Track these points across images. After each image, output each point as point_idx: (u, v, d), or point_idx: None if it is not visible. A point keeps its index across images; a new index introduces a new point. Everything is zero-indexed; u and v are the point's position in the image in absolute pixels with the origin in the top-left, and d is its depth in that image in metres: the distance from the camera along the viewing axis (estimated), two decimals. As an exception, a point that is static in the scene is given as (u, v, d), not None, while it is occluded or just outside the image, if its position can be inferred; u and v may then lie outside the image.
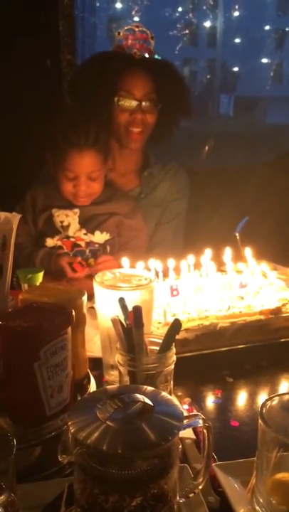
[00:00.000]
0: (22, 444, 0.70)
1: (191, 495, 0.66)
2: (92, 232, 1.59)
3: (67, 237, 1.57)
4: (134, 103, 1.61)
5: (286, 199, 1.85)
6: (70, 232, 1.58)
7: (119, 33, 1.64)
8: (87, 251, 1.57)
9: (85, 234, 1.58)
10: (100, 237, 1.59)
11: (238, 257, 1.38)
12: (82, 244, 1.57)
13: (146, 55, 1.65)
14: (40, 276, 1.05)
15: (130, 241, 1.63)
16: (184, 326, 1.08)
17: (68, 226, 1.58)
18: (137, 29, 1.63)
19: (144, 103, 1.61)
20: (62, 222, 1.57)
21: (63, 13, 2.42)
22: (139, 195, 1.77)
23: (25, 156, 2.10)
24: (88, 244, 1.58)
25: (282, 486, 0.67)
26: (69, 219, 1.58)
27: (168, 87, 1.66)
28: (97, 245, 1.58)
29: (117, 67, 1.61)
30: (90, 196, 1.56)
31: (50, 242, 1.57)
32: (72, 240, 1.57)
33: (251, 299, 1.22)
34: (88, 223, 1.59)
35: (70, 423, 0.57)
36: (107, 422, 0.57)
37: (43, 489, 0.68)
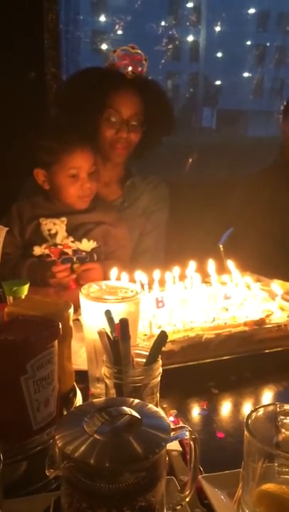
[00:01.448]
0: (8, 459, 0.70)
1: (178, 507, 0.66)
2: (80, 240, 1.60)
3: (55, 245, 1.58)
4: (121, 122, 1.64)
5: (269, 211, 1.88)
6: (58, 240, 1.59)
7: (114, 51, 1.67)
8: (74, 258, 1.57)
9: (73, 241, 1.59)
10: (87, 245, 1.60)
11: (222, 268, 1.39)
12: (70, 251, 1.58)
13: (138, 76, 1.68)
14: (25, 289, 1.04)
15: (116, 250, 1.65)
16: (170, 337, 1.08)
17: (56, 234, 1.59)
18: (132, 50, 1.66)
19: (131, 123, 1.65)
20: (49, 230, 1.58)
21: (48, 26, 2.45)
22: (122, 204, 1.80)
23: (8, 168, 2.10)
24: (75, 251, 1.58)
25: (268, 497, 0.67)
26: (56, 227, 1.59)
27: (154, 107, 1.70)
28: (84, 253, 1.59)
29: (109, 84, 1.64)
30: (90, 195, 1.60)
31: (37, 250, 1.57)
32: (59, 247, 1.58)
33: (236, 310, 1.23)
34: (75, 231, 1.61)
35: (57, 437, 0.57)
36: (95, 436, 0.57)
37: (30, 504, 0.67)
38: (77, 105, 1.67)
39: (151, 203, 1.83)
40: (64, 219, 1.59)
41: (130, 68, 1.67)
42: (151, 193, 1.84)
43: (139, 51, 1.67)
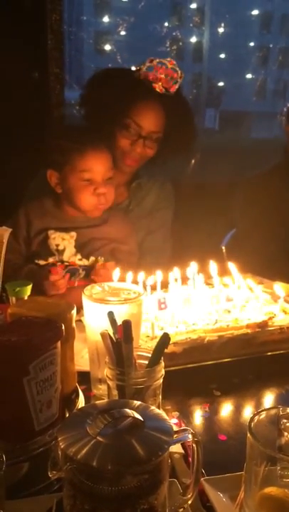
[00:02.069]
0: (10, 460, 0.70)
1: (181, 510, 0.66)
2: (87, 258, 1.54)
3: (62, 262, 1.52)
4: (138, 136, 1.59)
5: (272, 213, 1.87)
6: (65, 257, 1.53)
7: (151, 61, 1.59)
8: (80, 269, 1.52)
9: (80, 259, 1.53)
10: (93, 262, 1.54)
11: (225, 270, 1.39)
12: (77, 264, 1.53)
13: (167, 91, 1.60)
14: (28, 290, 1.05)
15: (123, 263, 1.60)
16: (172, 339, 1.09)
17: (63, 250, 1.53)
18: (170, 65, 1.58)
19: (147, 139, 1.60)
20: (57, 245, 1.52)
21: (52, 27, 2.45)
22: (128, 206, 1.78)
23: (13, 168, 2.10)
24: (82, 266, 1.54)
25: (270, 501, 0.67)
26: (65, 243, 1.52)
27: (178, 127, 1.64)
28: (89, 266, 1.54)
29: (136, 94, 1.58)
30: (106, 204, 1.51)
31: (42, 263, 1.52)
32: (65, 263, 1.52)
33: (238, 312, 1.23)
34: (84, 248, 1.54)
35: (60, 438, 0.57)
36: (97, 438, 0.57)
37: (32, 505, 0.67)
38: (99, 106, 1.61)
39: (157, 201, 1.81)
40: (74, 234, 1.53)
41: (163, 82, 1.58)
42: (157, 192, 1.81)
43: (177, 68, 1.59)
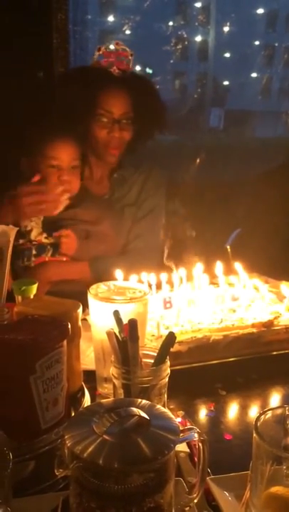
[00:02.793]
0: (16, 458, 0.70)
1: (187, 509, 0.66)
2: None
3: (30, 241, 1.59)
4: (112, 122, 1.63)
5: (277, 212, 1.87)
6: (32, 236, 1.60)
7: (99, 49, 1.65)
8: (48, 246, 1.60)
9: (46, 238, 1.61)
10: (53, 238, 1.61)
11: (230, 269, 1.39)
12: (44, 240, 1.61)
13: (125, 73, 1.66)
14: (34, 289, 1.05)
15: (99, 245, 1.66)
16: (177, 338, 1.08)
17: (31, 230, 1.60)
18: (117, 46, 1.64)
19: (122, 121, 1.64)
20: (25, 226, 1.59)
21: (57, 27, 2.45)
22: (112, 196, 1.79)
23: (12, 165, 2.11)
24: (50, 242, 1.61)
25: (276, 500, 0.67)
26: (32, 224, 1.60)
27: (144, 104, 1.68)
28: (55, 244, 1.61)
29: (97, 84, 1.63)
30: (70, 191, 1.58)
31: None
32: (34, 243, 1.60)
33: (243, 312, 1.23)
34: (50, 228, 1.61)
35: (66, 437, 0.57)
36: (104, 436, 0.57)
37: (38, 503, 0.67)
38: (68, 105, 1.65)
39: (144, 190, 1.82)
40: (41, 216, 1.60)
41: (116, 64, 1.65)
42: (142, 183, 1.82)
43: (125, 47, 1.65)
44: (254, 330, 1.18)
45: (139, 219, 1.79)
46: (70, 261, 1.62)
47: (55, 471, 0.59)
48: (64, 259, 1.62)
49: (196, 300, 1.25)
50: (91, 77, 1.65)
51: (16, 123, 2.12)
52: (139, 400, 0.65)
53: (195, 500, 0.67)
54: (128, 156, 1.81)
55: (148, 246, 1.73)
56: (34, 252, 1.59)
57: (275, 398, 1.07)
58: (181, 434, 0.63)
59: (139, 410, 0.61)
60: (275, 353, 1.19)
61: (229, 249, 2.07)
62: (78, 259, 1.62)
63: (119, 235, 1.74)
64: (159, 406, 0.65)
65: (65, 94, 1.69)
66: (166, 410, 0.66)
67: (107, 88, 1.64)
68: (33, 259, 1.59)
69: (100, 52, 1.65)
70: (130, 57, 1.67)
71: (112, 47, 1.65)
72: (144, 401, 0.65)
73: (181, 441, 0.62)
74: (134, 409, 0.61)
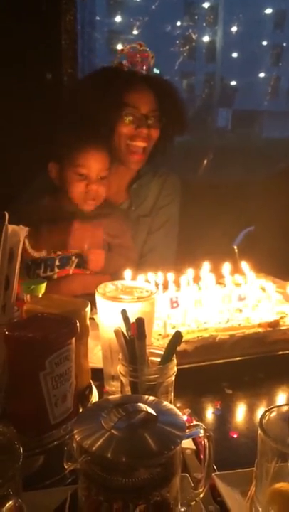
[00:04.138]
0: (26, 453, 0.71)
1: (193, 503, 0.68)
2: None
3: (54, 252, 1.58)
4: (140, 118, 1.63)
5: (284, 213, 1.87)
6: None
7: (122, 50, 1.67)
8: (73, 257, 1.58)
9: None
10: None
11: (237, 269, 1.40)
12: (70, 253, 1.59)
13: (146, 73, 1.69)
14: (42, 288, 1.06)
15: (120, 258, 1.62)
16: (184, 337, 1.09)
17: None
18: (140, 48, 1.67)
19: (150, 118, 1.64)
20: None
21: (66, 28, 2.48)
22: (129, 207, 1.79)
23: (20, 168, 2.13)
24: (75, 253, 1.59)
25: (281, 496, 0.68)
26: None
27: (167, 105, 1.70)
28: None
29: (122, 82, 1.63)
30: (97, 200, 1.58)
31: (36, 254, 1.57)
32: (59, 253, 1.58)
33: (250, 311, 1.24)
34: None
35: (75, 431, 0.59)
36: (112, 431, 0.59)
37: (47, 497, 0.69)
38: (92, 105, 1.64)
39: (160, 198, 1.82)
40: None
41: (139, 65, 1.67)
42: (160, 188, 1.82)
43: (146, 48, 1.67)
44: (260, 330, 1.19)
45: (154, 231, 1.79)
46: (93, 274, 1.59)
47: (64, 464, 0.60)
48: (87, 271, 1.59)
49: (202, 300, 1.27)
50: (115, 76, 1.66)
51: (36, 126, 2.15)
52: (147, 397, 0.67)
53: (201, 495, 0.69)
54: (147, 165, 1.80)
55: (163, 258, 1.72)
56: (57, 263, 1.56)
57: (281, 397, 1.08)
58: (188, 430, 0.64)
59: (147, 406, 0.62)
60: (281, 352, 1.20)
61: (236, 250, 2.08)
62: (100, 272, 1.59)
63: (136, 246, 1.73)
64: (166, 403, 0.67)
65: (89, 95, 1.68)
66: (172, 407, 0.67)
67: (133, 86, 1.64)
68: (56, 270, 1.56)
69: (123, 53, 1.67)
70: (151, 59, 1.69)
71: (134, 47, 1.67)
72: (151, 397, 0.67)
73: (187, 437, 0.64)
74: (142, 405, 0.62)
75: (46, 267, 1.56)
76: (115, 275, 1.58)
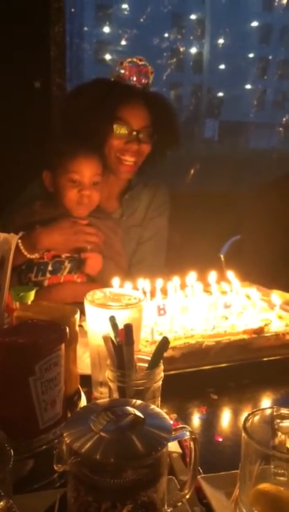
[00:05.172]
0: (15, 457, 0.73)
1: (179, 504, 0.69)
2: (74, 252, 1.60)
3: (48, 251, 1.58)
4: (130, 133, 1.64)
5: (268, 224, 1.91)
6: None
7: (122, 63, 1.67)
8: (66, 261, 1.59)
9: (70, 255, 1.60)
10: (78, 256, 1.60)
11: (223, 278, 1.43)
12: (63, 256, 1.60)
13: (144, 88, 1.69)
14: (32, 295, 1.08)
15: (110, 264, 1.65)
16: (171, 344, 1.11)
17: None
18: (139, 62, 1.67)
19: (141, 134, 1.65)
20: None
21: (54, 39, 2.51)
22: (120, 217, 1.81)
23: (9, 174, 2.15)
24: (68, 256, 1.60)
25: (264, 497, 0.70)
26: None
27: (161, 120, 1.70)
28: (76, 256, 1.60)
29: (118, 95, 1.64)
30: (89, 205, 1.60)
31: (30, 256, 1.57)
32: (52, 252, 1.59)
33: (235, 319, 1.27)
34: None
35: (65, 434, 0.61)
36: (101, 433, 0.60)
37: (37, 500, 0.70)
38: (85, 116, 1.66)
39: (150, 210, 1.83)
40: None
41: (137, 79, 1.67)
42: (150, 199, 1.84)
43: (146, 63, 1.68)
44: (245, 336, 1.21)
45: (143, 241, 1.81)
46: (84, 283, 1.60)
47: (54, 466, 0.62)
48: (78, 280, 1.60)
49: (189, 307, 1.29)
50: (112, 88, 1.67)
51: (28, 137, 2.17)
52: (134, 400, 0.69)
53: (187, 497, 0.70)
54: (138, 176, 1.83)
55: (150, 270, 1.70)
56: (50, 268, 1.57)
57: (265, 402, 1.10)
58: (174, 433, 0.66)
59: (134, 409, 0.64)
60: (265, 359, 1.22)
61: (223, 259, 2.12)
62: (94, 278, 1.61)
63: (126, 255, 1.74)
64: (153, 406, 0.69)
65: (83, 105, 1.68)
66: (159, 410, 0.69)
67: (128, 100, 1.65)
68: (48, 275, 1.57)
69: (122, 66, 1.67)
70: (150, 75, 1.70)
71: (133, 61, 1.67)
72: (139, 401, 0.69)
73: (173, 439, 0.66)
74: (130, 409, 0.64)
75: (38, 271, 1.57)
76: (107, 284, 1.61)
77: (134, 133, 1.65)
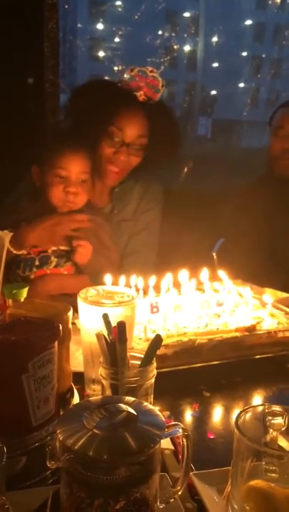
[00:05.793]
0: (7, 454, 0.73)
1: (171, 500, 0.70)
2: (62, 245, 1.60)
3: (35, 246, 1.58)
4: (122, 143, 1.63)
5: (260, 223, 1.92)
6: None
7: (132, 70, 1.63)
8: (52, 256, 1.59)
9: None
10: (67, 245, 1.60)
11: (215, 276, 1.44)
12: (49, 251, 1.60)
13: (150, 99, 1.65)
14: (24, 292, 1.08)
15: (99, 256, 1.64)
16: (163, 342, 1.12)
17: None
18: (150, 73, 1.62)
19: (132, 147, 1.64)
20: None
21: (48, 35, 2.49)
22: (111, 211, 1.80)
23: (2, 172, 2.14)
24: (54, 251, 1.60)
25: (256, 493, 0.71)
26: None
27: (162, 134, 1.68)
28: (63, 252, 1.60)
29: (118, 102, 1.62)
30: (75, 203, 1.59)
31: (16, 252, 1.57)
32: (39, 247, 1.58)
33: (227, 316, 1.27)
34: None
35: (58, 431, 0.61)
36: (94, 430, 0.61)
37: (30, 497, 0.70)
38: (83, 114, 1.65)
39: (142, 204, 1.82)
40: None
41: (145, 90, 1.62)
42: (141, 195, 1.83)
43: (157, 75, 1.63)
44: (237, 334, 1.22)
45: (135, 234, 1.80)
46: (70, 275, 1.61)
47: (47, 463, 0.62)
48: (65, 272, 1.60)
49: (182, 305, 1.29)
50: (115, 93, 1.63)
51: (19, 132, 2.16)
52: (127, 398, 0.69)
53: (179, 493, 0.71)
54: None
55: (144, 261, 1.73)
56: (37, 262, 1.57)
57: (256, 399, 1.11)
58: (167, 430, 0.66)
59: (127, 406, 0.64)
60: (257, 356, 1.23)
61: (215, 257, 2.12)
62: (82, 268, 1.61)
63: (117, 249, 1.73)
64: (146, 403, 0.69)
65: (80, 105, 1.67)
66: (152, 407, 0.69)
67: (127, 109, 1.62)
68: (34, 270, 1.57)
69: (132, 73, 1.63)
70: (161, 88, 1.65)
71: (143, 71, 1.63)
72: (132, 398, 0.69)
73: (166, 436, 0.66)
74: (123, 406, 0.64)
75: (25, 267, 1.57)
76: (94, 277, 1.60)
77: (125, 146, 1.63)
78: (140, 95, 1.63)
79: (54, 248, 1.60)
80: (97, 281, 1.55)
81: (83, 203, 1.61)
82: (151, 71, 1.63)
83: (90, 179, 1.61)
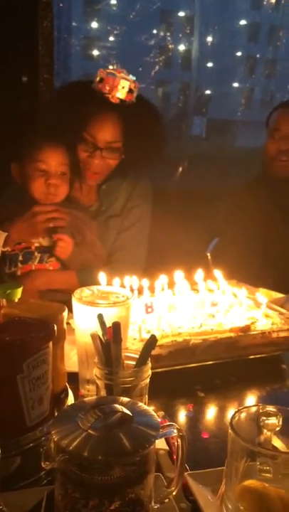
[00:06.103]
0: (2, 454, 0.73)
1: (166, 500, 0.70)
2: (42, 236, 1.61)
3: (19, 243, 1.59)
4: (95, 149, 1.62)
5: (254, 223, 1.93)
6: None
7: (102, 72, 1.61)
8: (36, 252, 1.60)
9: (42, 239, 1.61)
10: (49, 240, 1.61)
11: (210, 276, 1.44)
12: (32, 247, 1.60)
13: (123, 101, 1.62)
14: (19, 292, 1.08)
15: (86, 253, 1.65)
16: (158, 342, 1.12)
17: None
18: (118, 74, 1.60)
19: (105, 151, 1.63)
20: None
21: (43, 34, 2.49)
22: (99, 208, 1.80)
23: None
24: (37, 247, 1.61)
25: (250, 493, 0.71)
26: None
27: (142, 132, 1.66)
28: (46, 248, 1.61)
29: (89, 106, 1.61)
30: (56, 196, 1.60)
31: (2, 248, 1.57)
32: (23, 244, 1.59)
33: (222, 317, 1.28)
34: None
35: (53, 431, 0.61)
36: (89, 431, 0.61)
37: (24, 497, 0.70)
38: (57, 119, 1.65)
39: (130, 200, 1.82)
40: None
41: (114, 92, 1.60)
42: (129, 191, 1.83)
43: (126, 77, 1.60)
44: (232, 334, 1.22)
45: (124, 229, 1.79)
46: (57, 270, 1.61)
47: (42, 463, 0.62)
48: (51, 267, 1.61)
49: (176, 305, 1.30)
50: (84, 97, 1.62)
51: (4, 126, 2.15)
52: (122, 398, 0.69)
53: (173, 493, 0.71)
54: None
55: (133, 257, 1.74)
56: (21, 258, 1.58)
57: (251, 399, 1.11)
58: (161, 430, 0.66)
59: (122, 407, 0.64)
60: (251, 356, 1.23)
61: (209, 257, 2.12)
62: (66, 264, 1.62)
63: (105, 245, 1.74)
64: (141, 404, 0.69)
65: (56, 107, 1.69)
66: (147, 407, 0.69)
67: (99, 114, 1.61)
68: (19, 265, 1.57)
69: (102, 76, 1.61)
70: (134, 89, 1.62)
71: (112, 72, 1.60)
72: (127, 399, 0.69)
73: (160, 436, 0.66)
74: (118, 406, 0.64)
75: (11, 263, 1.58)
76: (81, 271, 1.60)
77: (99, 150, 1.63)
78: (112, 97, 1.61)
79: (37, 244, 1.61)
80: (84, 277, 1.56)
81: (64, 195, 1.63)
82: (118, 71, 1.61)
83: (69, 171, 1.62)
